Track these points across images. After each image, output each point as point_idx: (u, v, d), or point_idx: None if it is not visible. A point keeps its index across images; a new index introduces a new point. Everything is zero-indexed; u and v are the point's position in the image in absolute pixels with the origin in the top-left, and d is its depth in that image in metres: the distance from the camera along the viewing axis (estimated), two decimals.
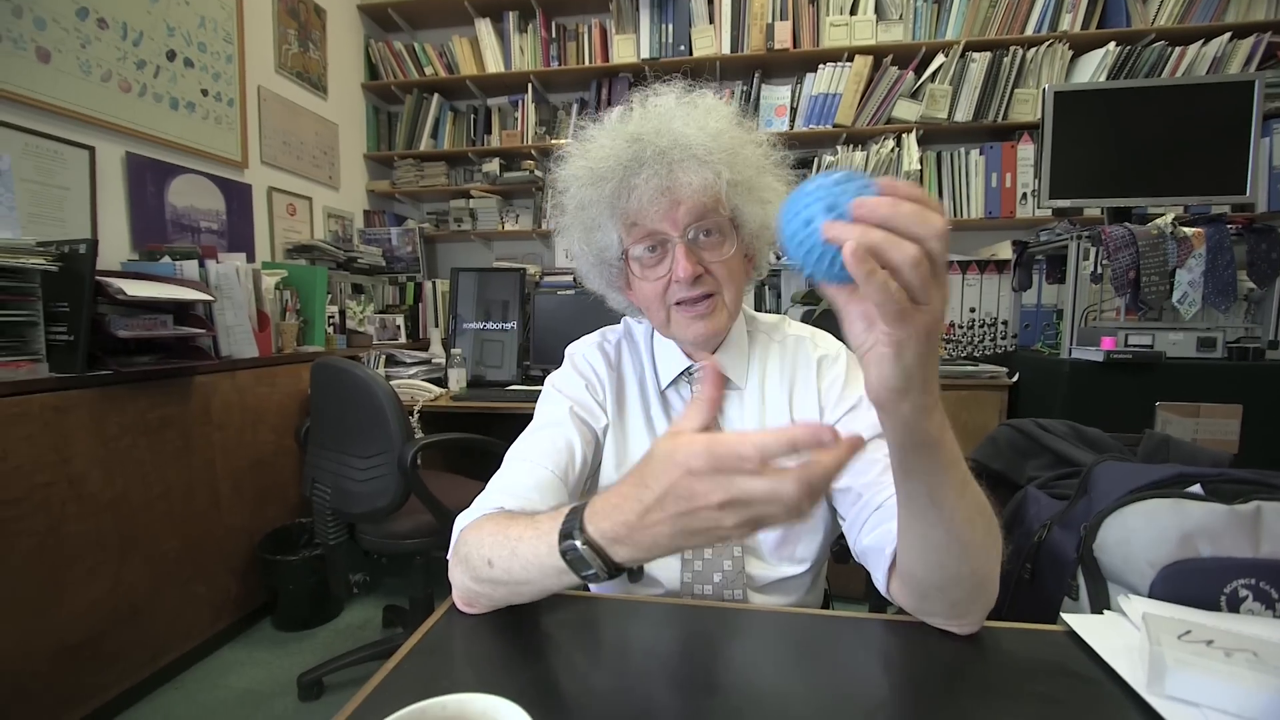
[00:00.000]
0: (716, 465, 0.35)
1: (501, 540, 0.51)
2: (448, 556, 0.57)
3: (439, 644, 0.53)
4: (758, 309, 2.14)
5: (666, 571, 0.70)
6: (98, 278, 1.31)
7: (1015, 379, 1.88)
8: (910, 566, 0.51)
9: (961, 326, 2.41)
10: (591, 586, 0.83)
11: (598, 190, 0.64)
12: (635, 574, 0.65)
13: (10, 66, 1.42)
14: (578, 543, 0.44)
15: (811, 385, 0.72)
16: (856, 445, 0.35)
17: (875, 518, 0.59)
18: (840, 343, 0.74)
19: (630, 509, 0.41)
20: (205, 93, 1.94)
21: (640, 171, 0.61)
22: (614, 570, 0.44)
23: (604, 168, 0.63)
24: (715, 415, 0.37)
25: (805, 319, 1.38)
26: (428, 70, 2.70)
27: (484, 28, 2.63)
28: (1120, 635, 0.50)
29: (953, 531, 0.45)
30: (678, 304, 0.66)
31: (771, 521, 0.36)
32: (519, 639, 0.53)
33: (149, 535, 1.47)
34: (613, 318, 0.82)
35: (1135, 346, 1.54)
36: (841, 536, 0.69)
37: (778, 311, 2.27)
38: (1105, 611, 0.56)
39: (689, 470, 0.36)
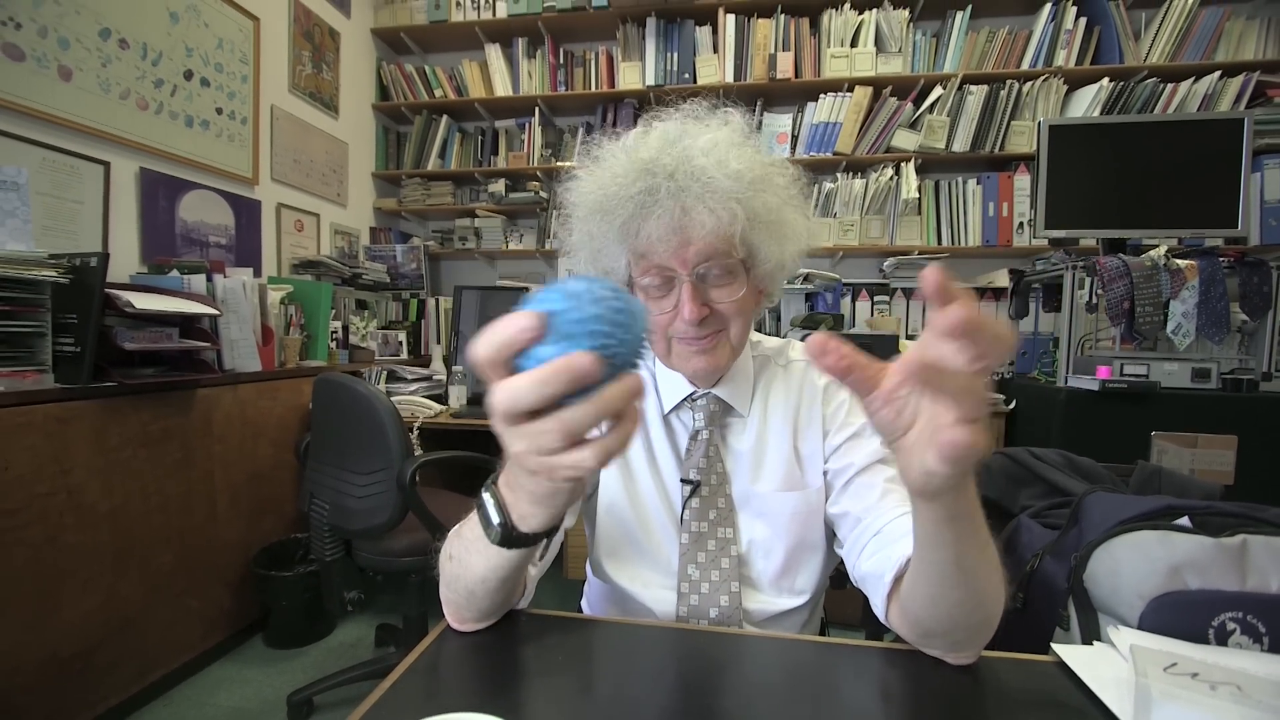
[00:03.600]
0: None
1: (457, 531, 0.53)
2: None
3: (434, 664, 0.53)
4: (757, 330, 2.15)
5: (662, 606, 0.69)
6: (106, 290, 1.33)
7: (1012, 406, 1.89)
8: (918, 614, 0.50)
9: None
10: (584, 607, 0.83)
11: (607, 221, 0.62)
12: (544, 548, 0.59)
13: (32, 84, 1.46)
14: (484, 492, 0.45)
15: (816, 411, 0.71)
16: (637, 387, 0.34)
17: (874, 543, 0.59)
18: None
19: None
20: (220, 111, 1.99)
21: (653, 208, 0.59)
22: (510, 529, 0.44)
23: (615, 199, 0.61)
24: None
25: None
26: (437, 92, 2.76)
27: (493, 53, 2.69)
28: (1109, 666, 0.51)
29: (971, 588, 0.45)
30: (680, 339, 0.65)
31: (550, 460, 0.35)
32: (515, 660, 0.54)
33: (145, 547, 1.47)
34: None
35: (1130, 376, 1.56)
36: (840, 562, 0.69)
37: (777, 334, 2.29)
38: (1095, 642, 0.56)
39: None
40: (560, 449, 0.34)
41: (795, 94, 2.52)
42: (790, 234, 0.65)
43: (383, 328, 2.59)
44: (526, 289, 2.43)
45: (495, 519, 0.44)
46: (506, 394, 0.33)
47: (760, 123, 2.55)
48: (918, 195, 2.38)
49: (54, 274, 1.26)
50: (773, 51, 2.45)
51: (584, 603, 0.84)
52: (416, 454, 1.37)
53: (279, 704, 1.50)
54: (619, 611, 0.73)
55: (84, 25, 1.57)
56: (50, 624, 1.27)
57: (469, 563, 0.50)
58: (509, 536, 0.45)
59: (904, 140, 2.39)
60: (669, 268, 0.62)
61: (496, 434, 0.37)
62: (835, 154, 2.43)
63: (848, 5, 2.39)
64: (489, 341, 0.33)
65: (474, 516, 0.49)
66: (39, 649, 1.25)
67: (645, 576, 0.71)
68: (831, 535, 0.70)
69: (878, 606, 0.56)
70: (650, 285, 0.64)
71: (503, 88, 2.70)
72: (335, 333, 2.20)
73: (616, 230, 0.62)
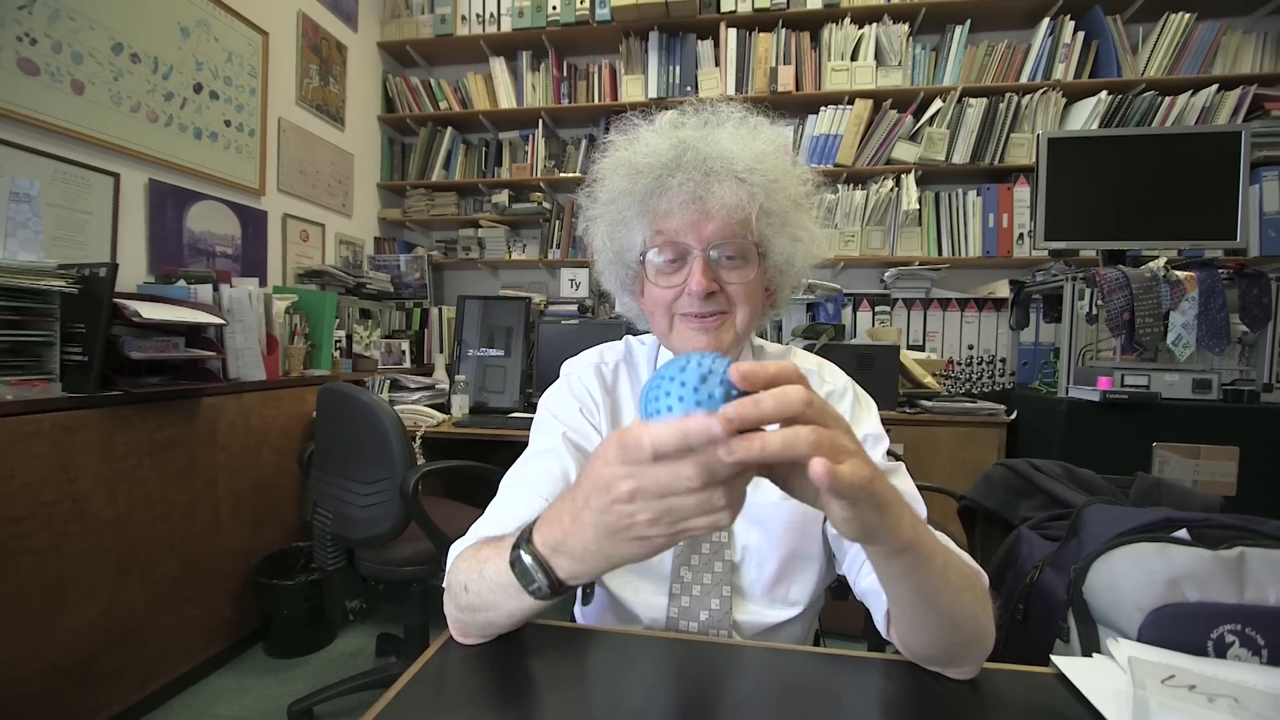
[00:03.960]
0: (622, 453, 0.36)
1: (475, 563, 0.52)
2: (444, 586, 0.58)
3: (438, 674, 0.53)
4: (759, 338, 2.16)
5: (653, 612, 0.69)
6: (114, 300, 1.35)
7: (1013, 416, 1.89)
8: (905, 639, 0.52)
9: (960, 363, 2.43)
10: (578, 615, 0.83)
11: (632, 184, 0.64)
12: (586, 595, 0.61)
13: (46, 97, 1.49)
14: (523, 553, 0.45)
15: None
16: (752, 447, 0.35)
17: None
18: (848, 377, 0.74)
19: (565, 511, 0.42)
20: (228, 123, 2.02)
21: (676, 174, 0.61)
22: (556, 586, 0.45)
23: (643, 164, 0.63)
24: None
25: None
26: (442, 104, 2.79)
27: (498, 66, 2.73)
28: (1108, 678, 0.51)
29: (943, 610, 0.46)
30: (683, 316, 0.65)
31: (689, 523, 0.36)
32: (519, 671, 0.54)
33: (148, 556, 1.47)
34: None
35: (1131, 387, 1.56)
36: (840, 577, 0.69)
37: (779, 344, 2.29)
38: (1094, 654, 0.57)
39: (603, 459, 0.37)
40: (720, 511, 0.35)
41: (796, 107, 2.54)
42: (803, 236, 0.66)
43: (386, 337, 2.60)
44: (529, 299, 2.44)
45: (539, 579, 0.45)
46: (701, 471, 0.34)
47: None
48: (918, 206, 2.39)
49: (63, 284, 1.28)
50: (774, 65, 2.47)
51: (576, 609, 0.84)
52: (419, 463, 1.38)
53: (279, 714, 1.50)
54: (612, 616, 0.72)
55: (97, 40, 1.60)
56: (53, 632, 1.27)
57: (494, 602, 0.51)
58: (555, 591, 0.46)
59: (904, 152, 2.41)
60: (684, 243, 0.63)
61: (600, 504, 0.38)
62: (836, 166, 2.45)
63: (848, 19, 2.42)
64: (677, 438, 0.34)
65: (495, 556, 0.49)
66: (41, 657, 1.25)
67: (636, 583, 0.70)
68: (829, 551, 0.69)
69: (879, 621, 0.57)
70: (663, 262, 0.64)
71: (507, 100, 2.73)
72: (339, 342, 2.21)
73: (640, 195, 0.63)
